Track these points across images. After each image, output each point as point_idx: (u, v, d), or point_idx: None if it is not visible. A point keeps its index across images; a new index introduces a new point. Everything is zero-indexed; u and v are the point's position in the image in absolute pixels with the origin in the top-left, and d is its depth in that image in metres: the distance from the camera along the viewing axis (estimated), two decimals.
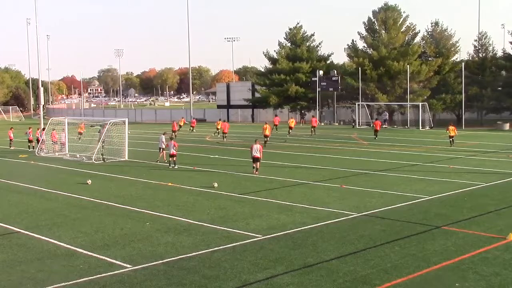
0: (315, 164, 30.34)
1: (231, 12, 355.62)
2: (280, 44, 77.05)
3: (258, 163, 26.94)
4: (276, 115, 61.33)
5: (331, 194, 21.43)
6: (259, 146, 27.14)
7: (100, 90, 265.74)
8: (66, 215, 18.41)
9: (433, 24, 68.99)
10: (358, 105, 64.72)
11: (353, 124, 63.64)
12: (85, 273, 12.31)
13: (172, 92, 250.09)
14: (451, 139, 39.23)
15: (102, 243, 14.80)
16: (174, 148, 29.64)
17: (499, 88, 64.09)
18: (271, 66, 76.97)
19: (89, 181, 24.76)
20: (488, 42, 67.21)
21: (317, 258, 13.16)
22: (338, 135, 50.83)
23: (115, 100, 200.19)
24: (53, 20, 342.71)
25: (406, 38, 69.05)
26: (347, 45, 71.60)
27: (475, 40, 67.38)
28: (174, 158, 29.65)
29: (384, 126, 56.31)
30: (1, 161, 34.38)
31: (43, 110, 71.20)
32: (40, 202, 20.74)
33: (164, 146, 32.17)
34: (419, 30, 69.77)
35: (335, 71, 69.99)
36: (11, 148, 41.63)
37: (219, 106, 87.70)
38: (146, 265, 12.81)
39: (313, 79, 69.88)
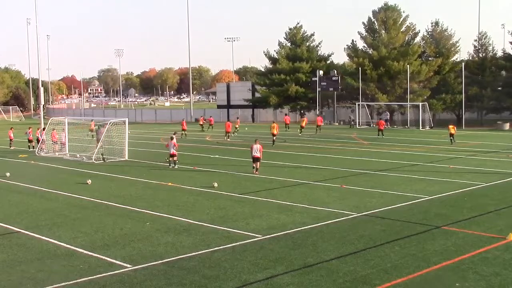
0: (315, 164, 30.33)
1: (231, 12, 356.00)
2: (280, 44, 77.12)
3: (258, 163, 26.94)
4: (286, 114, 61.50)
5: (331, 194, 21.42)
6: (259, 146, 27.14)
7: (100, 90, 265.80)
8: (66, 215, 18.41)
9: (433, 24, 69.06)
10: (358, 105, 64.73)
11: (352, 124, 63.42)
12: (85, 273, 12.31)
13: (172, 92, 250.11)
14: (451, 138, 39.76)
15: (102, 243, 14.80)
16: (174, 148, 29.64)
17: (499, 88, 64.09)
18: (271, 66, 77.00)
19: (89, 181, 24.76)
20: (488, 42, 67.28)
21: (317, 258, 13.16)
22: (338, 135, 50.82)
23: (115, 100, 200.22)
24: (53, 20, 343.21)
25: (406, 38, 69.08)
26: (347, 45, 71.73)
27: (475, 40, 67.44)
28: (175, 158, 29.64)
29: (385, 126, 56.26)
30: (1, 161, 34.37)
31: (43, 110, 71.17)
32: (40, 202, 20.74)
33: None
34: (419, 30, 69.96)
35: (335, 71, 70.01)
36: (11, 148, 41.63)
37: (219, 106, 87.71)
38: (146, 265, 12.81)
39: (313, 79, 69.88)
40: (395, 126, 62.09)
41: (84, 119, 54.51)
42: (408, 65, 62.95)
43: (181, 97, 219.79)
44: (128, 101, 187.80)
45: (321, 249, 13.91)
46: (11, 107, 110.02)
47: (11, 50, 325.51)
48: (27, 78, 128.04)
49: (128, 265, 12.78)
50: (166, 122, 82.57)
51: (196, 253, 13.70)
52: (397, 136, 48.13)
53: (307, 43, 76.57)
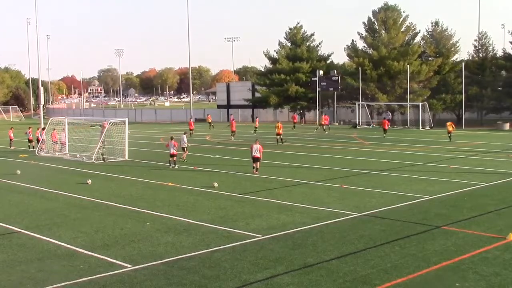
0: (316, 164, 30.33)
1: (231, 12, 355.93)
2: (280, 44, 77.08)
3: (258, 163, 26.95)
4: (294, 113, 61.43)
5: (331, 194, 21.43)
6: (259, 146, 27.15)
7: (100, 90, 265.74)
8: (66, 215, 18.41)
9: (433, 24, 69.03)
10: (358, 105, 64.71)
11: (356, 125, 62.73)
12: (85, 273, 12.31)
13: (172, 92, 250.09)
14: (449, 135, 40.14)
15: (102, 243, 14.80)
16: (174, 148, 29.65)
17: (499, 88, 64.06)
18: (271, 66, 76.97)
19: (89, 181, 24.76)
20: (488, 42, 67.25)
21: (317, 258, 13.17)
22: (339, 135, 50.82)
23: (115, 100, 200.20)
24: (53, 20, 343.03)
25: (406, 38, 69.06)
26: (347, 45, 71.69)
27: (475, 40, 67.41)
28: (174, 158, 29.64)
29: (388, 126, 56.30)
30: (2, 161, 34.37)
31: (43, 110, 71.16)
32: (40, 202, 20.75)
33: (186, 145, 32.33)
34: (419, 30, 69.91)
35: (335, 71, 69.98)
36: (11, 148, 41.61)
37: (219, 106, 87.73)
38: (146, 265, 12.82)
39: (313, 79, 69.85)
40: (395, 126, 62.04)
41: (84, 119, 54.51)
42: (408, 65, 62.95)
43: (181, 97, 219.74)
44: (128, 101, 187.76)
45: (321, 249, 13.91)
46: (11, 107, 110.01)
47: (11, 50, 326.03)
48: (27, 78, 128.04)
49: (128, 265, 12.79)
50: (166, 122, 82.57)
51: (196, 253, 13.70)
52: (397, 136, 48.13)
53: (307, 43, 76.54)
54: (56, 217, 18.01)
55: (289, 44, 76.61)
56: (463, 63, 62.83)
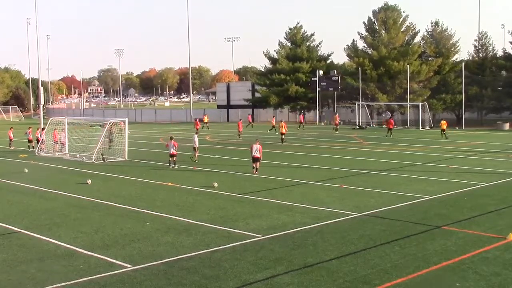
0: (315, 164, 30.33)
1: (231, 12, 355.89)
2: (280, 44, 77.13)
3: (257, 163, 26.94)
4: (301, 113, 61.25)
5: (331, 194, 21.42)
6: (259, 146, 27.15)
7: (100, 90, 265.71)
8: (66, 215, 18.40)
9: (433, 24, 69.06)
10: (358, 105, 64.72)
11: (364, 125, 61.45)
12: (85, 273, 12.30)
13: (172, 92, 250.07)
14: (443, 132, 40.66)
15: (102, 243, 14.79)
16: (174, 148, 29.64)
17: (499, 88, 64.09)
18: (271, 66, 77.02)
19: (89, 181, 24.75)
20: (488, 42, 67.26)
21: (317, 258, 13.16)
22: (338, 135, 50.82)
23: (115, 100, 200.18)
24: (53, 20, 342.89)
25: (406, 38, 69.11)
26: (347, 45, 71.80)
27: (475, 40, 67.43)
28: (174, 158, 29.63)
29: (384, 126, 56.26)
30: (1, 161, 34.36)
31: (43, 110, 71.14)
32: (40, 202, 20.73)
33: (197, 145, 32.43)
34: (419, 30, 70.10)
35: (335, 71, 70.04)
36: (11, 148, 41.60)
37: (219, 106, 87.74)
38: (146, 265, 12.81)
39: (313, 79, 69.91)
40: (395, 126, 61.91)
41: (84, 119, 54.50)
42: (408, 65, 62.98)
43: (181, 97, 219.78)
44: (128, 101, 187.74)
45: (321, 249, 13.90)
46: (11, 107, 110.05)
47: (11, 50, 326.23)
48: (27, 78, 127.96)
49: (128, 265, 12.78)
50: (166, 122, 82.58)
51: (196, 253, 13.69)
52: (397, 136, 48.14)
53: (307, 43, 76.61)
54: (56, 217, 18.00)
55: (289, 44, 76.68)
56: (463, 63, 62.85)
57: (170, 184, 24.14)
